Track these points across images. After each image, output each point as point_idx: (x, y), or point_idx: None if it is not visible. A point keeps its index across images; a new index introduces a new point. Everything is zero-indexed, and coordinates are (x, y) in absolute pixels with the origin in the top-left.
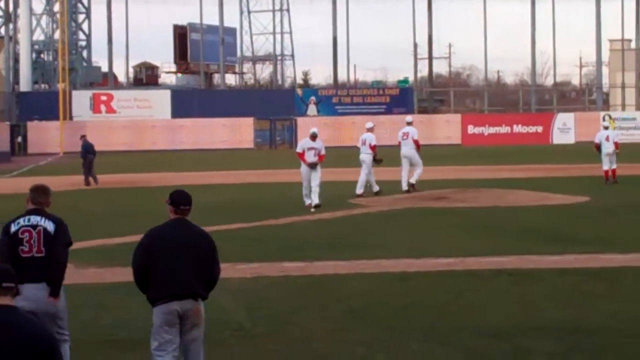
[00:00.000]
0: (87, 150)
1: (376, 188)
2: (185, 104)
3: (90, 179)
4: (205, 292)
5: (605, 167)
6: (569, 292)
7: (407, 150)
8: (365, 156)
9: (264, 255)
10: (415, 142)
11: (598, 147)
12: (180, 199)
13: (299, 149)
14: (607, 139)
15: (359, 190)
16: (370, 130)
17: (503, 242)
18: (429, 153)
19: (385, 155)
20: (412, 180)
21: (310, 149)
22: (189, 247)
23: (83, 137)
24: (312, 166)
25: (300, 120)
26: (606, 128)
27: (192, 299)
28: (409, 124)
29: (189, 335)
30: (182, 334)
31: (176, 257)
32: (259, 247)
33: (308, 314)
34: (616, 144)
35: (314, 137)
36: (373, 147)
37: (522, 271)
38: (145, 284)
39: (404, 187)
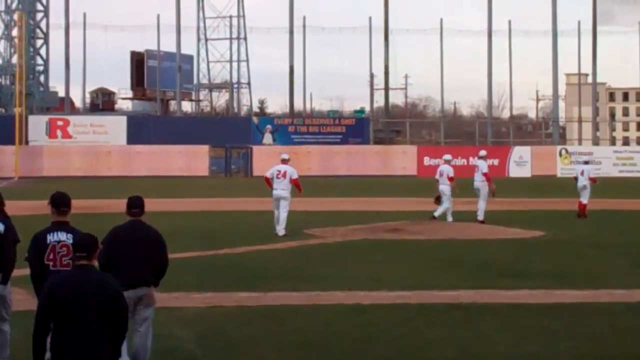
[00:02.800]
0: None
1: (450, 218)
2: (141, 130)
3: None
4: (157, 280)
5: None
6: (525, 327)
7: (478, 182)
8: (444, 187)
9: (219, 284)
10: (484, 174)
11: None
12: (133, 203)
13: (267, 174)
14: (582, 173)
15: (449, 218)
16: (447, 162)
17: (459, 275)
18: (385, 184)
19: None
20: (480, 217)
21: (278, 174)
22: (142, 243)
23: None
24: (280, 196)
25: (255, 149)
26: (586, 163)
27: (145, 286)
28: (482, 157)
29: (141, 314)
30: (135, 314)
31: (132, 252)
32: (213, 277)
33: (261, 345)
34: (592, 179)
35: (284, 161)
36: (451, 179)
37: (477, 305)
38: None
39: (480, 217)
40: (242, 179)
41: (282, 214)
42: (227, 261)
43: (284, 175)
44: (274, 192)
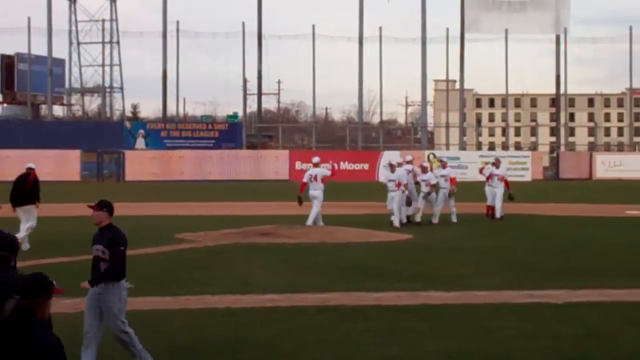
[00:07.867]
0: None
1: (436, 220)
2: (10, 134)
3: None
4: None
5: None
6: (394, 328)
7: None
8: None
9: (87, 290)
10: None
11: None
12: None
13: (304, 179)
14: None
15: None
16: (394, 167)
17: (328, 278)
18: (257, 188)
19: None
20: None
21: (311, 177)
22: None
23: None
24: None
25: (128, 154)
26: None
27: None
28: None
29: None
30: None
31: None
32: (82, 282)
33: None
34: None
35: (315, 165)
36: (398, 184)
37: (346, 307)
38: None
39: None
40: (114, 183)
41: (314, 209)
42: None
43: (316, 179)
44: (310, 192)
